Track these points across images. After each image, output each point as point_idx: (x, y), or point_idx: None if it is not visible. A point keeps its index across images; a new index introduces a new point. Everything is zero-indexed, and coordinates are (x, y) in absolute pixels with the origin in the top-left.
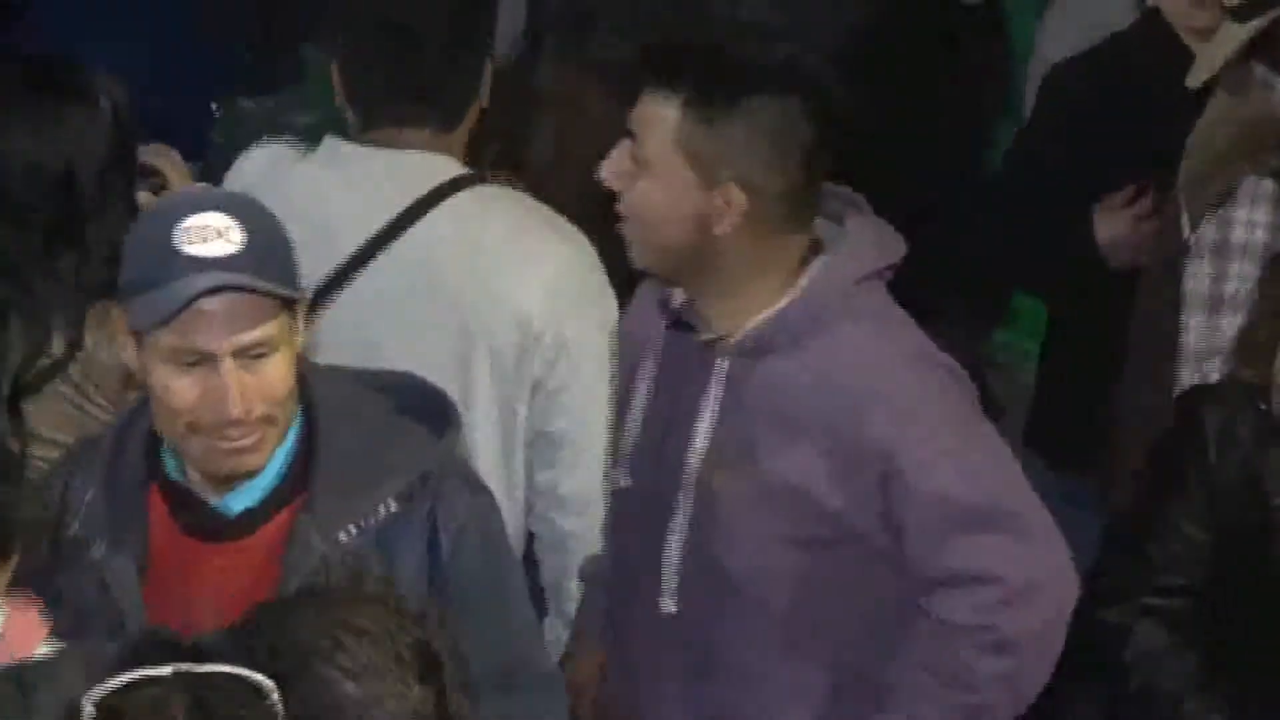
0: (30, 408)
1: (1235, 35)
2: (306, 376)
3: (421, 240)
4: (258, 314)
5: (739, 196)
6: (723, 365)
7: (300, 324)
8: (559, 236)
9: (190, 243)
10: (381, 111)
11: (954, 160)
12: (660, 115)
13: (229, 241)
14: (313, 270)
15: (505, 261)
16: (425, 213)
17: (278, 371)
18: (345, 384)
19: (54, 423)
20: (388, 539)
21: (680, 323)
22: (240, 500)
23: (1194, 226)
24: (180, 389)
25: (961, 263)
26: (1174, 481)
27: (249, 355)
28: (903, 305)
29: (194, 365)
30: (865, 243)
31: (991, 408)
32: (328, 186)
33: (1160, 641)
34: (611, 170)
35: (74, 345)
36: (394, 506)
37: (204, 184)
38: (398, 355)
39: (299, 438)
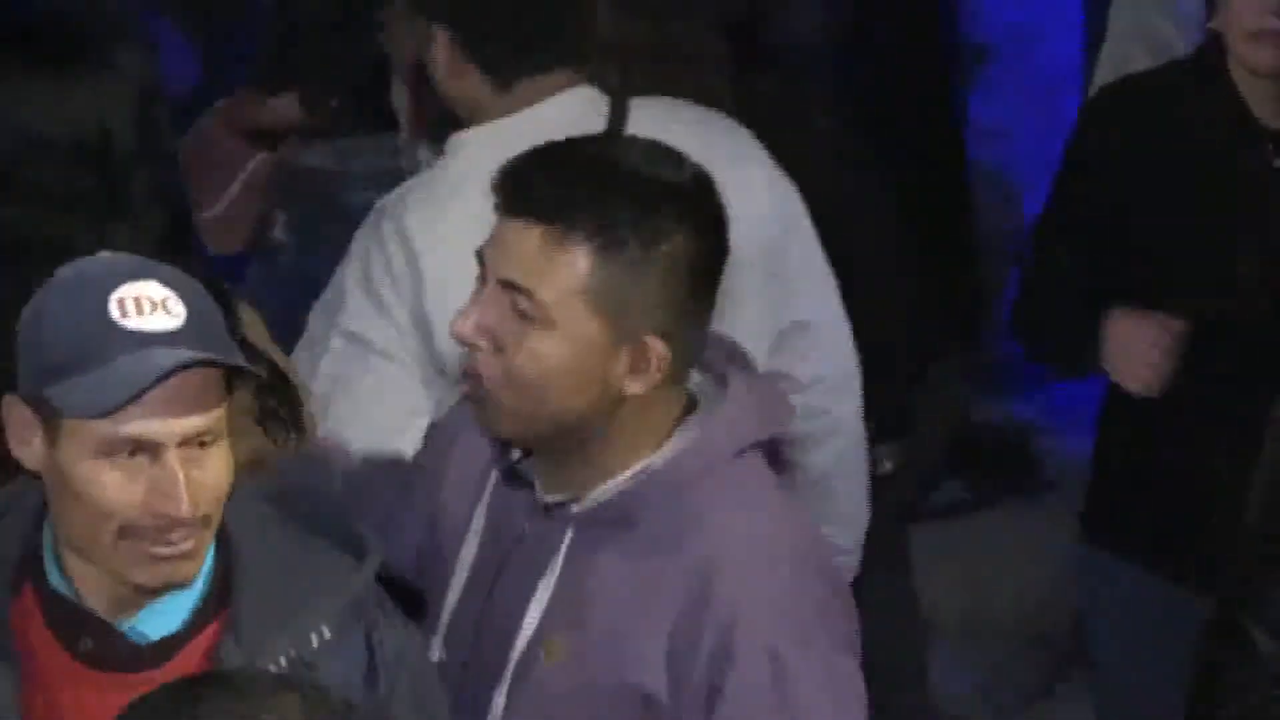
0: None
1: None
2: None
3: None
4: (206, 397)
5: (660, 348)
6: (567, 537)
7: (227, 415)
8: (728, 126)
9: (127, 316)
10: (517, 65)
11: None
12: (563, 261)
13: (171, 315)
14: None
15: (718, 168)
16: None
17: (223, 464)
18: (251, 498)
19: None
20: (321, 672)
21: (514, 475)
22: (158, 624)
23: None
24: (114, 484)
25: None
26: (1273, 545)
27: (194, 445)
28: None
29: (131, 456)
30: (748, 409)
31: (1034, 480)
32: None
33: None
34: (487, 327)
35: None
36: (328, 634)
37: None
38: None
39: (215, 550)
